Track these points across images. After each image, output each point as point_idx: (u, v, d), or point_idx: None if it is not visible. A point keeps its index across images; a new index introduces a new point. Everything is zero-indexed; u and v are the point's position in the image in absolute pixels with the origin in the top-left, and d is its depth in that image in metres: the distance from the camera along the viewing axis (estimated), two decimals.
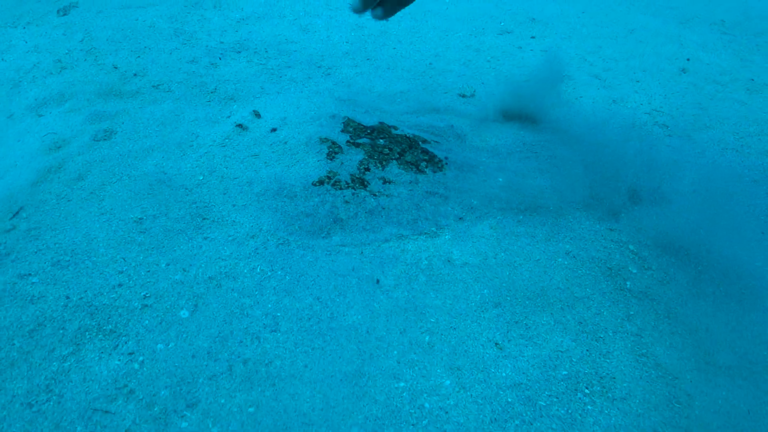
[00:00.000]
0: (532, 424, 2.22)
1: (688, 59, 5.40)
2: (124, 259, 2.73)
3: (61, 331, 2.38)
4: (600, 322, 2.68)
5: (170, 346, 2.38)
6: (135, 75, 4.39)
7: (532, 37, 5.70)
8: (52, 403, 2.13)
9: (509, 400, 2.29)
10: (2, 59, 4.57)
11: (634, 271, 2.98)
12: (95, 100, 4.04)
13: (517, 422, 2.22)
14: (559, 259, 3.00)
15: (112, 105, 3.97)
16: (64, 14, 5.21)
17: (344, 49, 5.20)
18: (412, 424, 2.18)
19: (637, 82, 5.06)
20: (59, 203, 3.07)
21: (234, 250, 2.84)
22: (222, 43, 5.11)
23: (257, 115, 3.83)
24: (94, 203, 3.08)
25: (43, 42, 4.80)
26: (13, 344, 2.32)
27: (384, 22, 5.42)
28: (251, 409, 2.18)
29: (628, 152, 3.98)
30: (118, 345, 2.36)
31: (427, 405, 2.25)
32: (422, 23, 5.71)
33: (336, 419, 2.17)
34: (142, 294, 2.58)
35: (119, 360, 2.30)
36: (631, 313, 2.75)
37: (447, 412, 2.23)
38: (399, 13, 5.88)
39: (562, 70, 4.86)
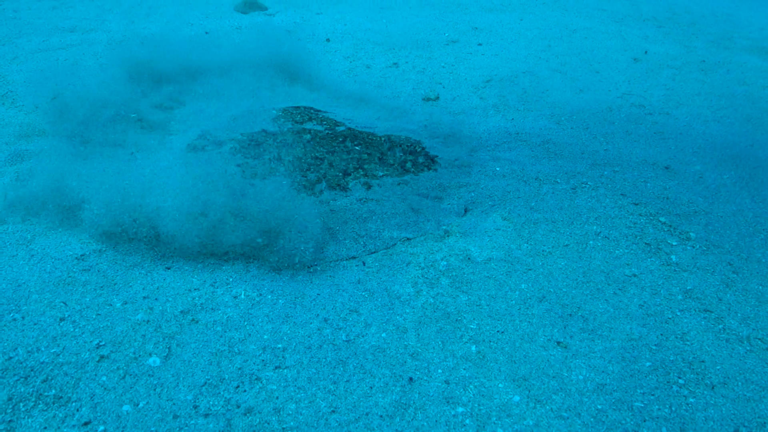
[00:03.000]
0: None
1: (646, 52, 5.33)
2: (65, 303, 2.06)
3: None
4: (661, 302, 2.25)
5: (141, 405, 1.73)
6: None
7: (479, 44, 5.47)
8: None
9: (599, 407, 1.79)
10: None
11: (674, 243, 2.60)
12: (15, 141, 3.36)
13: None
14: (591, 242, 2.58)
15: (35, 144, 3.30)
16: None
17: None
18: None
19: (597, 72, 4.88)
20: None
21: (207, 277, 2.23)
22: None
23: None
24: (21, 246, 2.40)
25: None
26: None
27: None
28: None
29: (618, 130, 3.71)
30: (67, 415, 1.69)
31: (500, 431, 1.70)
32: (363, 42, 5.38)
33: None
34: (94, 343, 1.91)
35: None
36: (689, 287, 2.34)
37: None
38: (336, 33, 5.53)
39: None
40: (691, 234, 2.67)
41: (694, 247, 2.59)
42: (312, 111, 3.65)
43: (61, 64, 4.55)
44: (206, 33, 5.38)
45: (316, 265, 2.36)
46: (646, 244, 2.59)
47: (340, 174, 2.90)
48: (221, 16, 6.10)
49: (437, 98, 4.25)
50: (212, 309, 2.08)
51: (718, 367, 1.97)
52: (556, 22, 6.23)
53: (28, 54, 4.80)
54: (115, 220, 2.36)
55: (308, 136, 3.22)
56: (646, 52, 5.35)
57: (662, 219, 2.75)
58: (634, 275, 2.39)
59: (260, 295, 2.17)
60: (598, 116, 3.97)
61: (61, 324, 1.98)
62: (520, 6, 6.73)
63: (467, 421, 1.73)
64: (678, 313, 2.20)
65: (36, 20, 5.67)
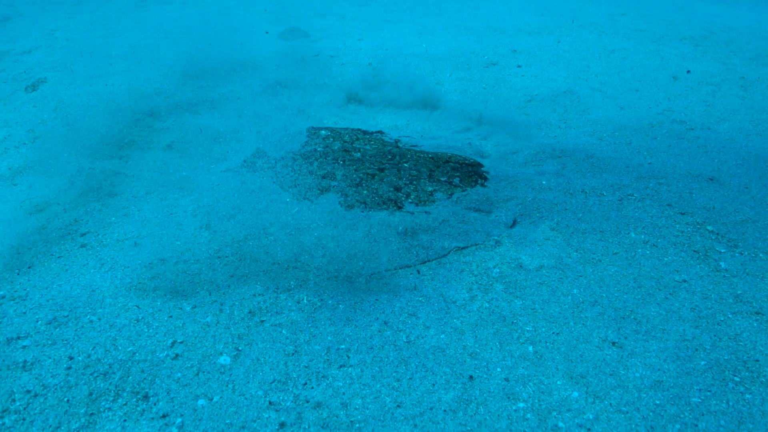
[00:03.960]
0: (696, 426, 1.76)
1: (688, 71, 5.36)
2: (137, 306, 2.22)
3: (66, 401, 1.84)
4: (712, 306, 2.28)
5: (215, 399, 1.85)
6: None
7: (518, 66, 5.60)
8: None
9: (657, 402, 1.84)
10: None
11: (723, 250, 2.63)
12: (77, 161, 3.60)
13: (678, 426, 1.75)
14: (639, 250, 2.63)
15: (99, 164, 3.54)
16: (33, 90, 4.83)
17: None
18: None
19: (637, 91, 4.93)
20: (47, 261, 2.56)
21: (269, 284, 2.37)
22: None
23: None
24: (91, 255, 2.58)
25: (13, 116, 4.38)
26: (3, 423, 1.76)
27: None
28: None
29: (662, 145, 3.76)
30: (145, 408, 1.82)
31: (561, 425, 1.77)
32: (404, 66, 5.56)
33: None
34: (168, 343, 2.06)
35: (151, 426, 1.76)
36: (739, 292, 2.37)
37: (590, 429, 1.75)
38: (378, 58, 5.74)
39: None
40: (739, 242, 2.70)
41: (742, 254, 2.62)
42: (359, 132, 3.81)
43: (116, 89, 4.84)
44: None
45: (372, 274, 2.47)
46: (694, 251, 2.63)
47: (392, 189, 3.03)
48: (267, 42, 6.37)
49: (480, 118, 4.37)
50: (277, 312, 2.21)
51: None
52: (593, 44, 6.31)
53: (82, 80, 5.12)
54: None
55: (358, 155, 3.37)
56: (688, 71, 5.38)
57: (709, 228, 2.79)
58: (684, 281, 2.43)
59: (321, 300, 2.29)
60: (639, 132, 4.02)
61: (136, 324, 2.13)
62: (557, 29, 6.84)
63: (528, 416, 1.80)
64: (730, 316, 2.24)
65: None
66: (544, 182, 3.20)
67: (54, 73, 5.42)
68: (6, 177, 3.47)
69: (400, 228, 2.73)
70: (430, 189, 3.10)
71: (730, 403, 1.83)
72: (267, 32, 6.57)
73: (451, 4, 8.62)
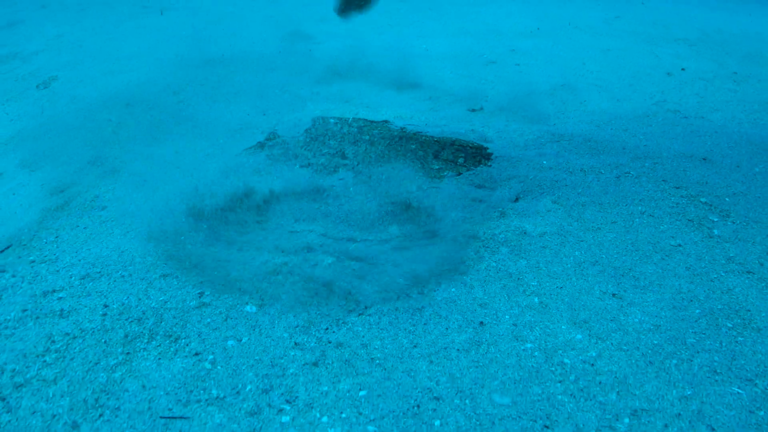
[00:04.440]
0: (692, 361, 1.89)
1: (683, 69, 5.55)
2: (165, 263, 2.35)
3: (104, 342, 1.96)
4: (706, 266, 2.43)
5: (244, 341, 1.99)
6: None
7: (517, 65, 5.78)
8: (105, 418, 1.69)
9: (655, 342, 1.98)
10: None
11: (715, 219, 2.79)
12: (91, 150, 3.74)
13: (674, 361, 1.89)
14: (636, 219, 2.78)
15: (108, 150, 3.68)
16: (45, 87, 4.98)
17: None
18: (559, 381, 1.82)
19: (632, 85, 5.12)
20: (74, 231, 2.70)
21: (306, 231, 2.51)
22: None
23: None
24: (116, 226, 2.72)
25: (26, 111, 4.53)
26: (45, 361, 1.89)
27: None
28: (362, 393, 1.79)
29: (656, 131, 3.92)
30: (178, 348, 1.95)
31: (567, 360, 1.90)
32: (408, 62, 5.74)
33: (469, 388, 1.80)
34: (196, 293, 2.19)
35: (184, 363, 1.89)
36: (731, 255, 2.52)
37: (593, 364, 1.89)
38: (381, 57, 5.93)
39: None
40: (730, 212, 2.85)
41: (734, 222, 2.77)
42: (365, 120, 3.97)
43: (132, 85, 5.00)
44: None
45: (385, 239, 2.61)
46: (689, 220, 2.78)
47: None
48: (266, 43, 6.55)
49: (482, 109, 4.54)
50: (297, 264, 2.35)
51: (763, 314, 2.14)
52: (589, 45, 6.52)
53: (95, 77, 5.28)
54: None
55: (367, 137, 3.52)
56: (683, 69, 5.57)
57: (702, 200, 2.94)
58: (679, 245, 2.58)
59: (346, 251, 2.43)
60: (635, 120, 4.19)
61: (164, 279, 2.27)
62: (553, 32, 7.05)
63: (536, 353, 1.93)
64: (722, 274, 2.38)
65: None
66: (544, 162, 3.36)
67: (64, 71, 5.58)
68: (25, 164, 3.60)
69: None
70: (436, 167, 3.25)
71: (723, 344, 1.97)
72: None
73: (451, 9, 8.85)
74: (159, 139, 3.70)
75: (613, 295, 2.21)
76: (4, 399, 1.75)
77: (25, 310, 2.10)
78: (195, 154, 3.48)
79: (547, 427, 1.68)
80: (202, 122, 3.95)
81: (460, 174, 3.21)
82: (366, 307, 2.14)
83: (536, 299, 2.19)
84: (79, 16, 8.21)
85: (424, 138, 3.59)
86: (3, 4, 8.91)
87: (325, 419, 1.70)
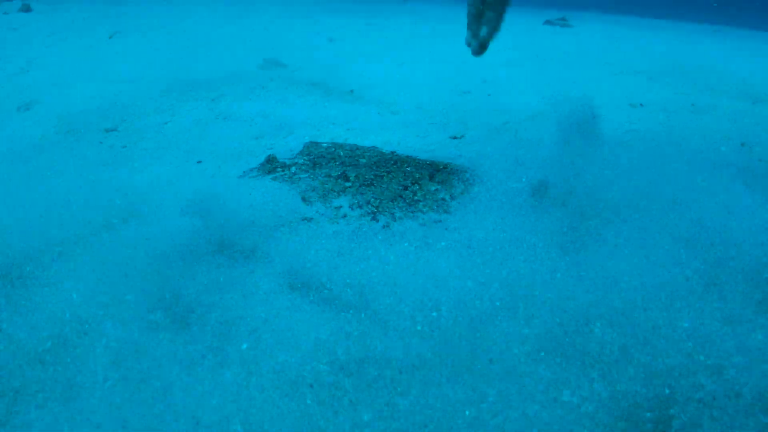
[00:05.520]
0: None
1: (641, 104, 5.92)
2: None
3: None
4: None
5: None
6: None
7: (489, 95, 6.07)
8: None
9: None
10: None
11: None
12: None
13: None
14: None
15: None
16: (27, 110, 4.96)
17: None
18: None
19: (599, 116, 5.43)
20: None
21: None
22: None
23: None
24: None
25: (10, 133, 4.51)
26: None
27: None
28: None
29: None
30: None
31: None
32: (385, 93, 5.95)
33: None
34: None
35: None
36: None
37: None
38: (360, 85, 6.12)
39: None
40: None
41: None
42: (355, 146, 4.11)
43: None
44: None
45: None
46: None
47: (401, 187, 3.32)
48: (246, 74, 6.66)
49: (463, 137, 4.75)
50: None
51: None
52: (557, 75, 6.89)
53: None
54: None
55: (364, 160, 3.66)
56: (641, 104, 5.95)
57: None
58: None
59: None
60: (604, 146, 4.46)
61: None
62: (525, 62, 7.42)
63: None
64: None
65: None
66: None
67: (46, 94, 5.56)
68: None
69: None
70: (433, 188, 3.40)
71: None
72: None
73: (419, 40, 9.19)
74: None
75: None
76: None
77: None
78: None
79: None
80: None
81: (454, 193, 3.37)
82: None
83: None
84: (53, 40, 8.18)
85: (417, 161, 3.75)
86: None
87: None
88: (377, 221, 3.04)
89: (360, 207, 3.15)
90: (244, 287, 2.41)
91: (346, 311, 2.27)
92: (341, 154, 3.78)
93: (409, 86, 6.21)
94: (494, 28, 2.23)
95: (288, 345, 2.08)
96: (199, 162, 4.03)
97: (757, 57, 9.41)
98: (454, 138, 4.74)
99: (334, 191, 3.28)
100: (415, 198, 3.28)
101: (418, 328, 2.17)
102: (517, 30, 9.47)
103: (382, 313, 2.25)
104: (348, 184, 3.33)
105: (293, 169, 3.52)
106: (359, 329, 2.16)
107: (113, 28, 8.90)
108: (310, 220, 3.04)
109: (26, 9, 11.06)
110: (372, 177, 3.42)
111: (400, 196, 3.25)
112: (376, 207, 3.14)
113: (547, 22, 12.17)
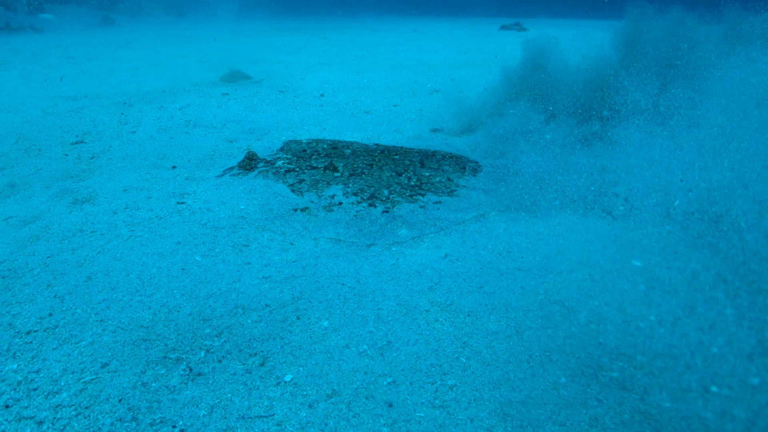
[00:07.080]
0: None
1: None
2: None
3: None
4: None
5: None
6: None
7: (460, 92, 6.04)
8: None
9: None
10: None
11: None
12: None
13: None
14: None
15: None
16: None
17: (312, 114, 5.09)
18: None
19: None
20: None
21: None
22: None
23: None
24: None
25: None
26: None
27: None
28: None
29: None
30: None
31: None
32: (353, 97, 5.83)
33: None
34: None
35: None
36: None
37: None
38: (327, 90, 5.98)
39: None
40: None
41: None
42: (336, 140, 3.95)
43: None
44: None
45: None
46: None
47: (395, 174, 3.18)
48: (210, 84, 6.45)
49: (442, 129, 4.66)
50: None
51: None
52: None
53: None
54: None
55: (348, 151, 3.50)
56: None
57: None
58: None
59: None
60: None
61: None
62: (484, 63, 7.45)
63: None
64: None
65: None
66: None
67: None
68: None
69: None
70: (427, 174, 3.27)
71: None
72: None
73: (376, 48, 9.14)
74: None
75: None
76: None
77: None
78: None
79: None
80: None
81: (446, 177, 3.24)
82: None
83: None
84: (5, 67, 7.75)
85: (405, 149, 3.61)
86: None
87: None
88: (375, 207, 2.88)
89: (355, 195, 2.98)
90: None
91: None
92: (324, 147, 3.61)
93: (375, 89, 6.11)
94: None
95: None
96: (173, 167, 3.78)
97: None
98: (435, 130, 4.65)
99: (324, 181, 3.10)
100: (411, 183, 3.13)
101: None
102: (477, 34, 9.54)
103: None
104: (337, 174, 3.16)
105: (279, 163, 3.33)
106: None
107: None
108: (304, 210, 2.84)
109: None
110: (362, 166, 3.26)
111: (397, 183, 3.10)
112: (372, 194, 2.98)
113: (503, 27, 12.38)
